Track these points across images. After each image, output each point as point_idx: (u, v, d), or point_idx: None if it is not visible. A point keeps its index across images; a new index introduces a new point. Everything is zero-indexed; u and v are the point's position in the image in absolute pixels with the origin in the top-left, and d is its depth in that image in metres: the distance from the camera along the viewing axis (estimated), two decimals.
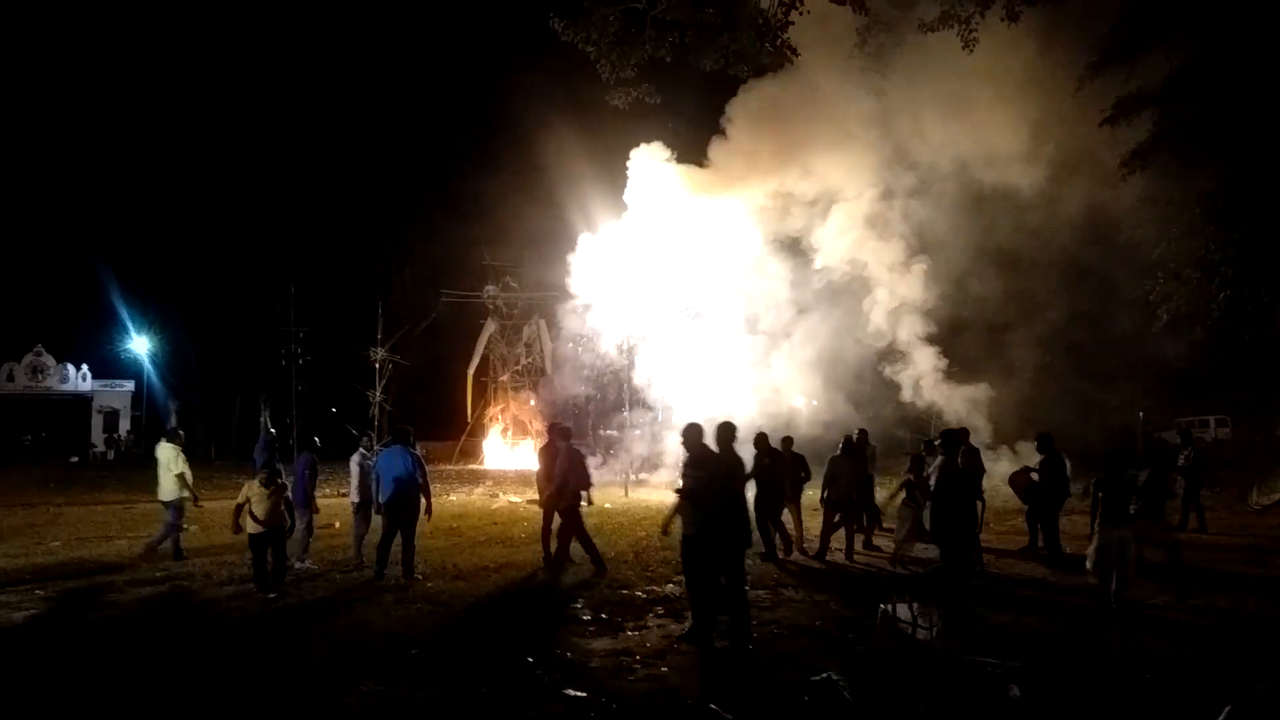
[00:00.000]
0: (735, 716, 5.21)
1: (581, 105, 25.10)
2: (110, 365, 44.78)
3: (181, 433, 11.81)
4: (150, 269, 40.50)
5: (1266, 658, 6.56)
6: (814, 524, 12.83)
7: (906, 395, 21.11)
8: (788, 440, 12.13)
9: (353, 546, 10.81)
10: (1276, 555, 11.33)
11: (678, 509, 7.30)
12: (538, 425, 33.35)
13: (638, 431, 25.29)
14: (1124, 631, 7.36)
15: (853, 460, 11.97)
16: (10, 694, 5.85)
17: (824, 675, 5.21)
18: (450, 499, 19.91)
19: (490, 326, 37.45)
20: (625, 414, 25.71)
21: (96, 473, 31.14)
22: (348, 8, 46.67)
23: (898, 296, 20.51)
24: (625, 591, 9.06)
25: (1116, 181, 14.82)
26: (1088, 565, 8.20)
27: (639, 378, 23.72)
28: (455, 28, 46.55)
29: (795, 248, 21.69)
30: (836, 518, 11.59)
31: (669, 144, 21.98)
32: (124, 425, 44.12)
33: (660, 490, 19.70)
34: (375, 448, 11.27)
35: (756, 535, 11.32)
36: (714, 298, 22.36)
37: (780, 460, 11.67)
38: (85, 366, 44.08)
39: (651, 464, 23.85)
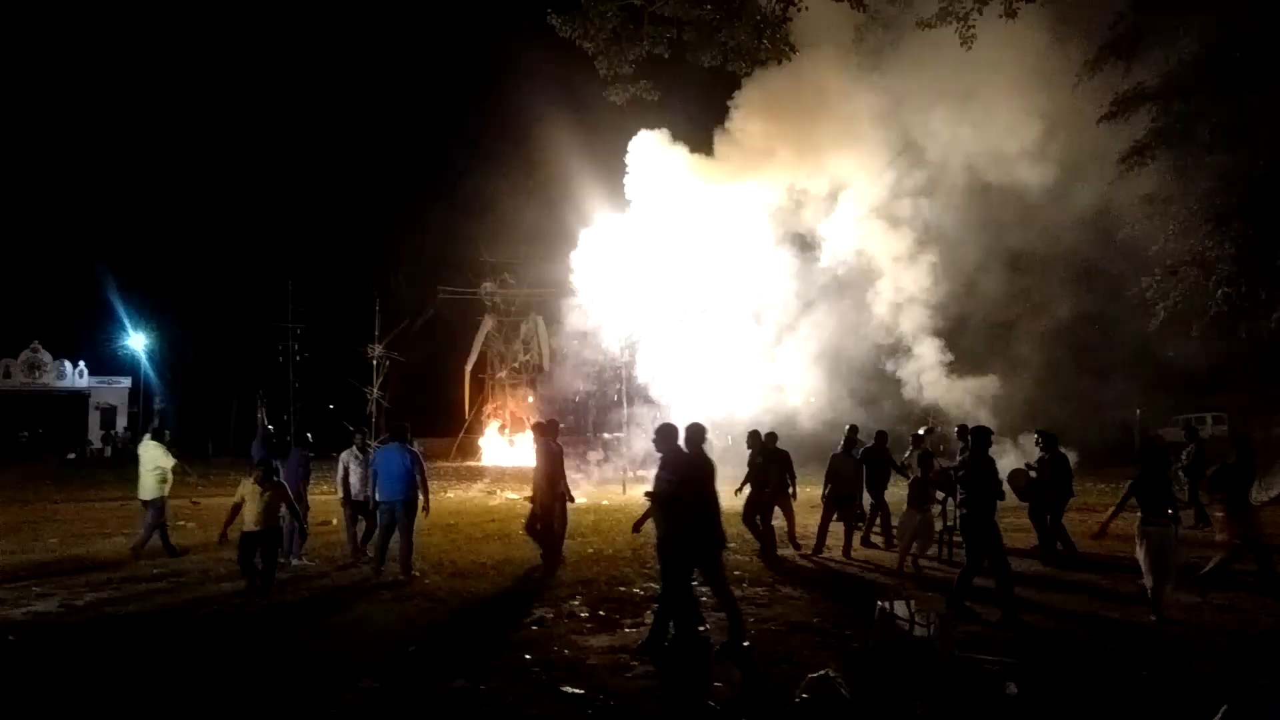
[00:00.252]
0: (732, 714, 5.21)
1: (579, 102, 25.06)
2: (107, 362, 44.78)
3: (167, 433, 11.77)
4: (147, 265, 40.49)
5: (1262, 656, 6.57)
6: (810, 520, 12.84)
7: (910, 390, 20.99)
8: (772, 436, 12.06)
9: (347, 545, 10.77)
10: (1272, 552, 11.34)
11: (649, 511, 7.21)
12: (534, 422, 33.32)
13: (638, 427, 25.23)
14: (1125, 633, 7.37)
15: (853, 458, 11.98)
16: (9, 691, 5.84)
17: (821, 672, 5.20)
18: (448, 496, 19.91)
19: (488, 323, 37.44)
20: (624, 410, 25.66)
21: (93, 470, 31.13)
22: (344, 4, 46.58)
23: (902, 289, 20.36)
24: (623, 589, 9.06)
25: (1115, 178, 14.82)
26: (1143, 567, 7.74)
27: (640, 373, 23.65)
28: (452, 22, 46.45)
29: (799, 241, 21.60)
30: (835, 515, 11.62)
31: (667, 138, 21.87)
32: (121, 422, 44.11)
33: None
34: (369, 444, 11.24)
35: (748, 533, 11.41)
36: (716, 291, 22.26)
37: (772, 457, 11.65)
38: (82, 363, 44.06)
39: (651, 461, 23.75)
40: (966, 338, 21.31)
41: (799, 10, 9.63)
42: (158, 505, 11.16)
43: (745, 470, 11.74)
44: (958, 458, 10.87)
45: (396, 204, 41.64)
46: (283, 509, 9.02)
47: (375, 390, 36.60)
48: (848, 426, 12.60)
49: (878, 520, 12.49)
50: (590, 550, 11.64)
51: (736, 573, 10.03)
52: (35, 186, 40.43)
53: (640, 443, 24.60)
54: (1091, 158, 16.43)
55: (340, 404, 37.05)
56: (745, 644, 6.70)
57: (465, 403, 38.15)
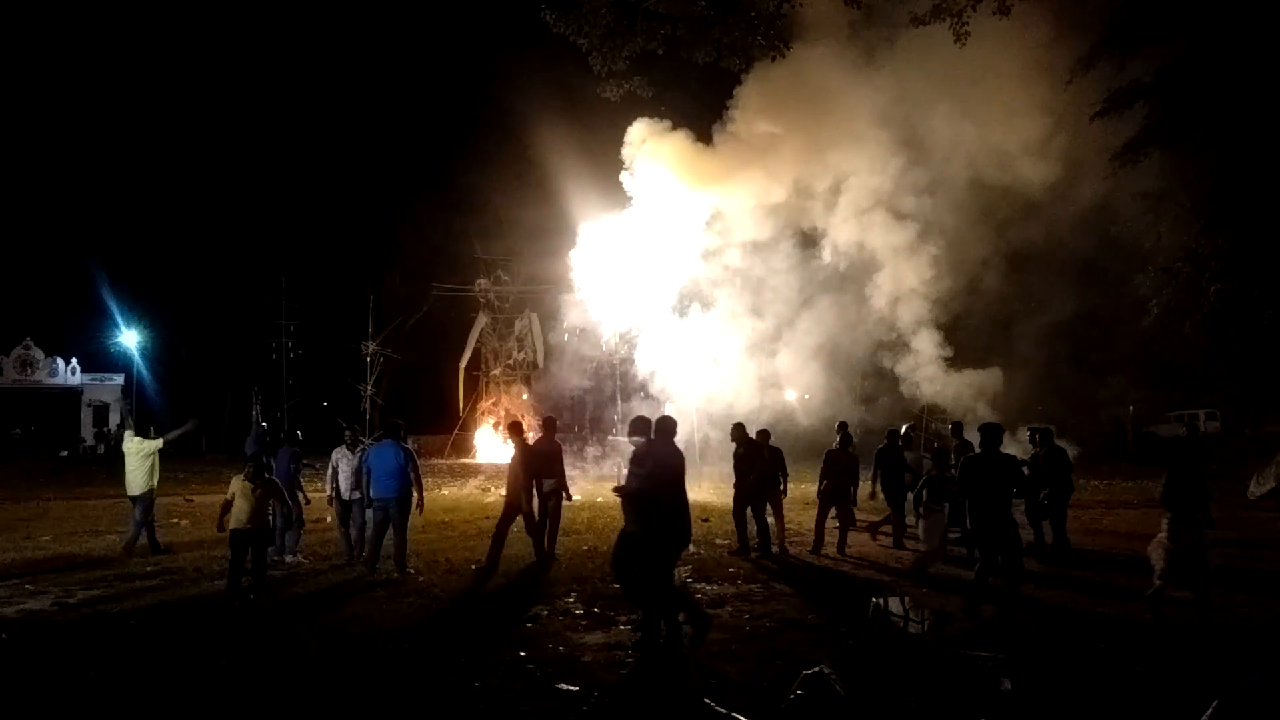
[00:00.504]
0: (728, 710, 5.21)
1: (574, 98, 25.02)
2: (100, 359, 44.61)
3: (151, 429, 11.75)
4: (140, 262, 40.39)
5: (1256, 653, 6.60)
6: (806, 518, 12.87)
7: (908, 385, 20.93)
8: (764, 434, 11.98)
9: (340, 543, 10.66)
10: (1268, 549, 11.41)
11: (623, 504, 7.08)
12: (530, 419, 33.32)
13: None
14: (1118, 626, 7.40)
15: (848, 453, 11.96)
16: (2, 690, 5.83)
17: (816, 669, 5.21)
18: (442, 493, 19.91)
19: (482, 320, 37.35)
20: (619, 406, 25.62)
21: (86, 467, 31.03)
22: (340, 1, 46.39)
23: (901, 281, 20.25)
24: (618, 585, 9.03)
25: (1108, 175, 14.84)
26: (1154, 567, 7.51)
27: (637, 368, 23.55)
28: (447, 19, 46.29)
29: (800, 235, 21.50)
30: (832, 512, 11.61)
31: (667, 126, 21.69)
32: (113, 419, 43.92)
33: None
34: (361, 440, 11.18)
35: (747, 528, 11.38)
36: (713, 286, 22.16)
37: (759, 452, 11.56)
38: (75, 360, 43.87)
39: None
40: (963, 334, 21.33)
41: (793, 6, 9.63)
42: (146, 501, 11.15)
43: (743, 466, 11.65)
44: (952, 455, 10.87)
45: (391, 200, 41.61)
46: (272, 507, 8.96)
47: (369, 387, 36.57)
48: (838, 423, 12.57)
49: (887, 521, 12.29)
50: (585, 547, 11.64)
51: (731, 570, 10.05)
52: (27, 183, 40.28)
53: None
54: (1085, 154, 16.44)
55: (334, 401, 37.03)
56: (658, 642, 6.58)
57: (460, 400, 38.09)
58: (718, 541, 11.99)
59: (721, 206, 21.12)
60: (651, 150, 20.65)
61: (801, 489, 12.98)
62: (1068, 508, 11.37)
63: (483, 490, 20.85)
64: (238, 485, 8.70)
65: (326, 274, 40.80)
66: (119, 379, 44.62)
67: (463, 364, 37.94)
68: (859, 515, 12.32)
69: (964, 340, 21.05)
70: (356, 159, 41.47)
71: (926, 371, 20.01)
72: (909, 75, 18.11)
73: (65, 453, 37.57)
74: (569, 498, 11.20)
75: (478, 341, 37.60)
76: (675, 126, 20.91)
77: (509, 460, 10.78)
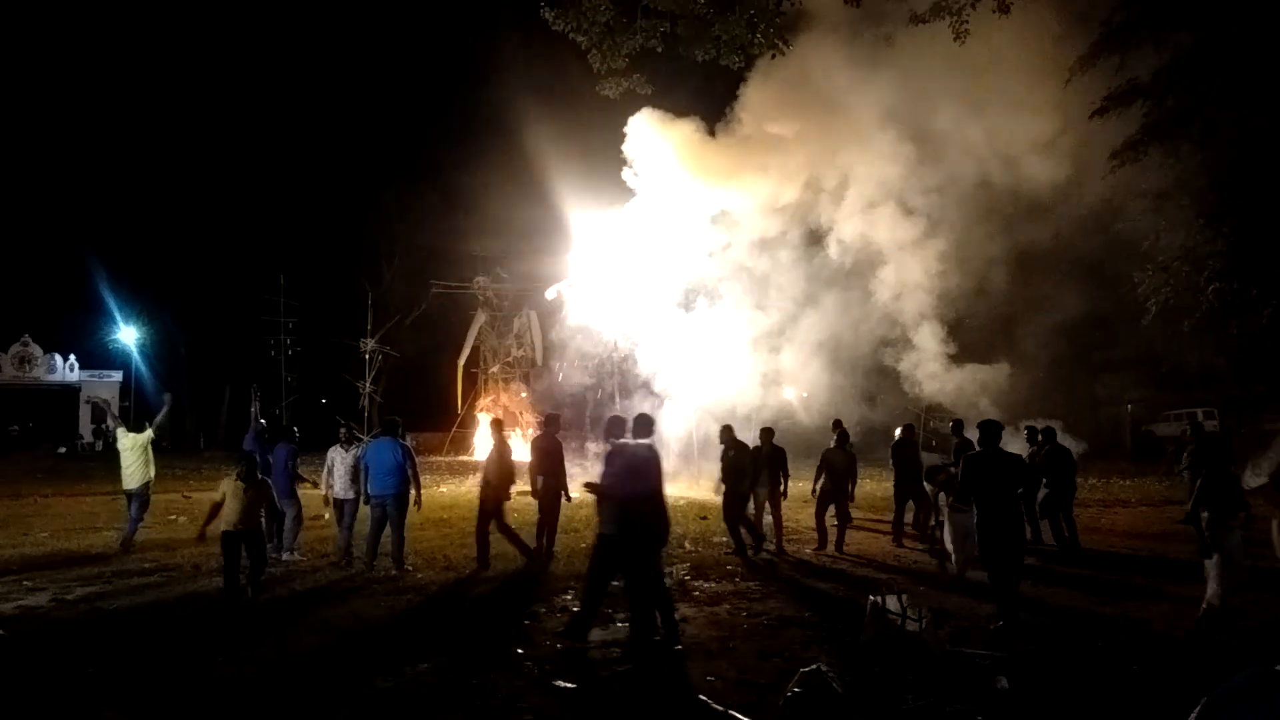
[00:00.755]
0: (725, 708, 5.22)
1: (572, 96, 25.01)
2: (98, 356, 44.63)
3: (147, 424, 11.76)
4: (138, 259, 40.37)
5: (1248, 650, 6.60)
6: (804, 516, 12.87)
7: (911, 381, 20.85)
8: (768, 431, 11.87)
9: (339, 540, 10.55)
10: (1264, 546, 11.40)
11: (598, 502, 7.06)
12: (529, 417, 33.32)
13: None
14: (1114, 625, 7.41)
15: (845, 451, 11.93)
16: (0, 686, 5.82)
17: (814, 666, 5.21)
18: (441, 490, 19.90)
19: (480, 318, 37.34)
20: (618, 403, 25.55)
21: (84, 463, 31.01)
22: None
23: (906, 277, 20.14)
24: (615, 583, 9.03)
25: (1107, 173, 14.82)
26: (1209, 575, 7.33)
27: (640, 365, 23.46)
28: (445, 16, 46.26)
29: (807, 231, 21.42)
30: (830, 510, 11.59)
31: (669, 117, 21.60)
32: (85, 417, 43.93)
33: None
34: (357, 437, 11.18)
35: (733, 529, 11.24)
36: (716, 280, 22.08)
37: (753, 453, 11.43)
38: (73, 357, 43.87)
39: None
40: (965, 332, 21.30)
41: (793, 4, 9.62)
42: (142, 496, 11.14)
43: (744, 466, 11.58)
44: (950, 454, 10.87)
45: (389, 198, 41.56)
46: (260, 509, 8.71)
47: (368, 384, 36.57)
48: (833, 421, 12.50)
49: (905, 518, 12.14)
50: (583, 545, 11.60)
51: (728, 568, 10.05)
52: (25, 180, 40.24)
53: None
54: (1086, 153, 16.42)
55: (333, 398, 37.03)
56: (653, 643, 6.57)
57: (458, 397, 38.10)
58: (715, 539, 11.98)
59: (727, 204, 21.05)
60: (658, 138, 20.46)
61: (799, 487, 12.98)
62: (1070, 504, 11.33)
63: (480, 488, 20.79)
64: (229, 485, 8.57)
65: (325, 271, 40.80)
66: (117, 375, 44.61)
67: (461, 361, 37.94)
68: (854, 513, 12.30)
69: (966, 339, 21.03)
70: (356, 156, 41.57)
71: (929, 368, 19.95)
72: (912, 72, 18.06)
73: (63, 449, 37.57)
74: (569, 498, 10.95)
75: (476, 339, 37.60)
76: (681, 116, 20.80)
77: (485, 457, 10.72)
